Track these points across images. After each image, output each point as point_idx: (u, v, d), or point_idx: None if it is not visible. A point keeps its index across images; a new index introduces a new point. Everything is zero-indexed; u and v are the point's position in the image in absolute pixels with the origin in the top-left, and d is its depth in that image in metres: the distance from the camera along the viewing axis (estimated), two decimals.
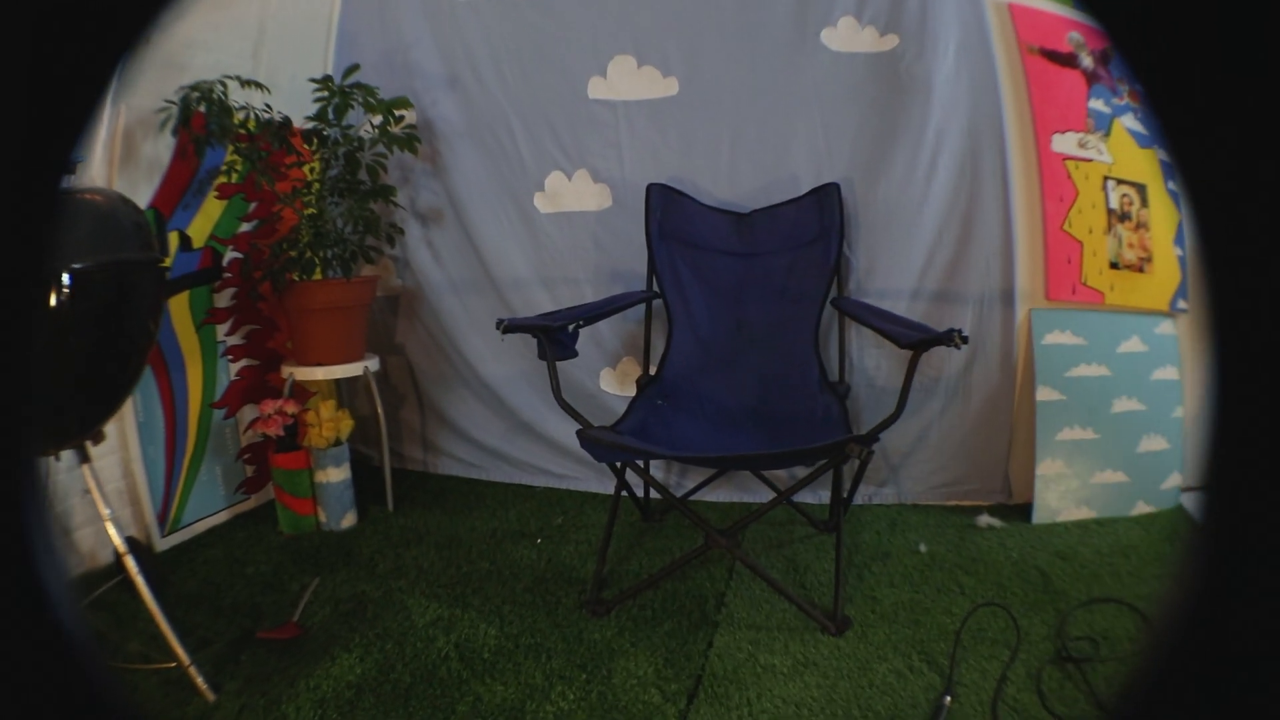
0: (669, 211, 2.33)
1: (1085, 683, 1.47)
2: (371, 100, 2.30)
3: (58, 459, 1.60)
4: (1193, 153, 0.28)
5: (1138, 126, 2.23)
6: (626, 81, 2.43)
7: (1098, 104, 2.25)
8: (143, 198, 2.04)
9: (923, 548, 2.07)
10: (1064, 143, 2.23)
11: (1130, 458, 2.23)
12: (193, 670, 1.47)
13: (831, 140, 2.32)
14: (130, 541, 1.65)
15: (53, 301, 1.27)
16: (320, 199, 2.31)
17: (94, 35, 0.30)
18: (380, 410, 2.45)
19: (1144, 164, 2.26)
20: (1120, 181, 2.25)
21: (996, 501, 2.34)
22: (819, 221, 2.25)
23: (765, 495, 2.37)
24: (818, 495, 2.38)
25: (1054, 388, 2.22)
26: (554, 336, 1.84)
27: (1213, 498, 0.30)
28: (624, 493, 1.99)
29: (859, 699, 1.45)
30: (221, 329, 2.33)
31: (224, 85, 2.06)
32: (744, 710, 1.43)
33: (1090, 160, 2.24)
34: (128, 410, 2.04)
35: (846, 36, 2.27)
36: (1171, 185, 2.19)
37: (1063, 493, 2.21)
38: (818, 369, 2.16)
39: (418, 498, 2.56)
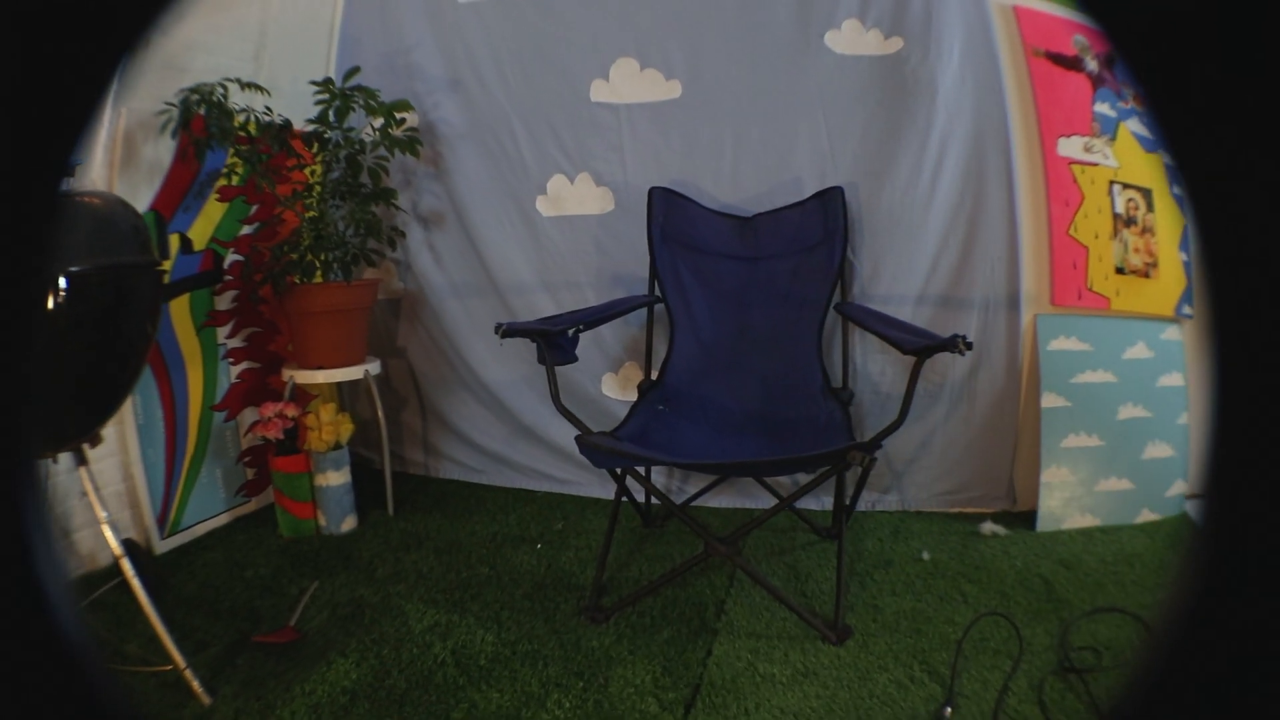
0: (671, 215, 2.32)
1: (1088, 694, 1.45)
2: (372, 103, 2.30)
3: (55, 461, 1.59)
4: (1192, 154, 0.28)
5: (1143, 130, 2.21)
6: (629, 84, 2.42)
7: (1103, 108, 2.23)
8: (143, 200, 2.04)
9: (925, 555, 2.05)
10: (1069, 147, 2.21)
11: (1135, 465, 2.20)
12: (189, 673, 1.47)
13: (835, 143, 2.30)
14: (128, 544, 1.64)
15: (50, 305, 1.27)
16: (321, 202, 2.31)
17: (94, 37, 0.30)
18: (381, 414, 2.45)
19: (1149, 168, 2.23)
20: (1126, 186, 2.23)
21: (1000, 509, 2.32)
22: (823, 225, 2.24)
23: (768, 501, 2.36)
24: (820, 501, 2.37)
25: (1059, 394, 2.20)
26: (553, 341, 1.83)
27: (1213, 498, 0.29)
28: (625, 498, 1.98)
29: (858, 709, 1.44)
30: (222, 332, 2.33)
31: (224, 88, 2.06)
32: None
33: (1096, 164, 2.22)
34: (127, 413, 2.04)
35: (851, 39, 2.26)
36: (1176, 190, 2.17)
37: (1067, 500, 2.19)
38: (821, 374, 2.15)
39: (418, 502, 2.55)
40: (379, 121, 2.33)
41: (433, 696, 1.49)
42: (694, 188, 2.40)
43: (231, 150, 2.16)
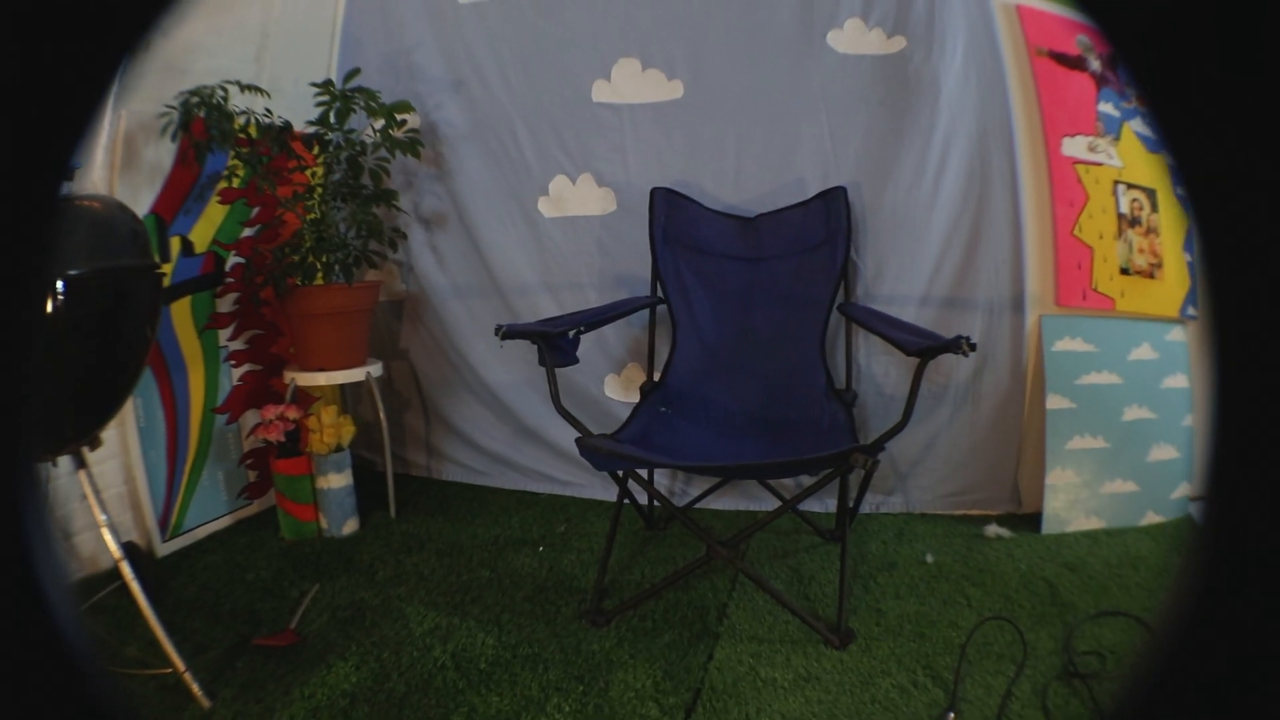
0: (673, 216, 2.31)
1: (1091, 699, 1.43)
2: (373, 104, 2.29)
3: (55, 464, 1.59)
4: (1193, 155, 0.28)
5: (1146, 130, 2.20)
6: (631, 84, 2.42)
7: (1107, 107, 2.21)
8: (144, 203, 2.04)
9: (929, 558, 2.04)
10: (1074, 146, 2.19)
11: (1140, 467, 2.19)
12: (188, 676, 1.47)
13: (838, 143, 2.29)
14: (128, 547, 1.64)
15: (48, 308, 1.27)
16: (323, 204, 2.31)
17: (94, 38, 0.30)
18: (383, 416, 2.45)
19: (1153, 168, 2.22)
20: (1130, 186, 2.22)
21: (1005, 511, 2.30)
22: (825, 226, 2.22)
23: (770, 503, 2.35)
24: (824, 503, 2.35)
25: (1064, 395, 2.18)
26: (553, 343, 1.82)
27: (1213, 498, 0.29)
28: (627, 501, 1.97)
29: (861, 715, 1.43)
30: (224, 334, 2.33)
31: (224, 90, 2.06)
32: None
33: (1100, 164, 2.20)
34: (129, 415, 2.04)
35: (853, 38, 2.25)
36: (1179, 190, 2.15)
37: (1072, 502, 2.17)
38: (824, 376, 2.13)
39: (421, 504, 2.55)
40: (380, 123, 2.33)
41: (432, 700, 1.49)
42: (696, 188, 2.39)
43: (232, 153, 2.16)
